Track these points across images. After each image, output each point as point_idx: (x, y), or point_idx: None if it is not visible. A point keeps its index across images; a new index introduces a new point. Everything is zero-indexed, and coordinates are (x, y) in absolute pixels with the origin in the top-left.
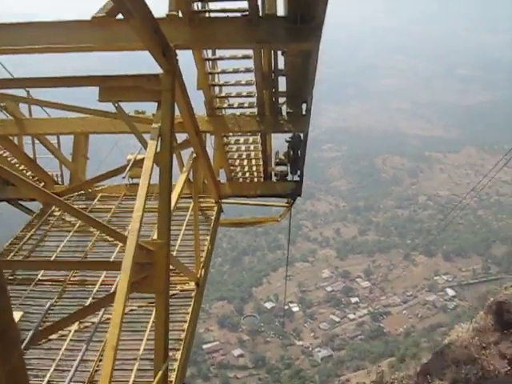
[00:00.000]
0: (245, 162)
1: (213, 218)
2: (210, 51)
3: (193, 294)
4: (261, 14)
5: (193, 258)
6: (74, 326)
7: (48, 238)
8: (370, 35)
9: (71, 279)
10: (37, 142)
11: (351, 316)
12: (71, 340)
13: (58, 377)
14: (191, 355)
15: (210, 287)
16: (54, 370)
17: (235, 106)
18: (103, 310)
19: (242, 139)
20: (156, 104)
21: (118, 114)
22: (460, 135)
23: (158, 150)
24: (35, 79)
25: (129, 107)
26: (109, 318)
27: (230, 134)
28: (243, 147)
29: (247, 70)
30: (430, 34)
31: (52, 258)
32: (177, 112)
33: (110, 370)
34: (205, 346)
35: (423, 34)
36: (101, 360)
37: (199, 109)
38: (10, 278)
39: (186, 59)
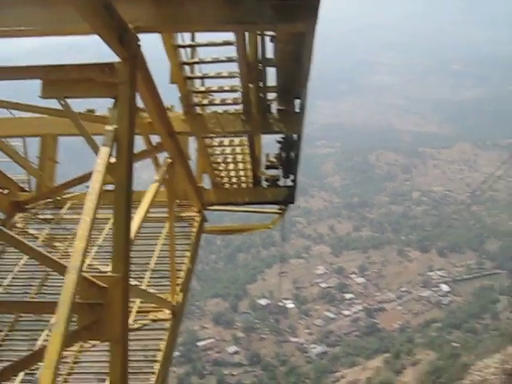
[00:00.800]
0: (231, 166)
1: (194, 230)
2: (186, 36)
3: (167, 325)
4: None
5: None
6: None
7: (3, 256)
8: (362, 31)
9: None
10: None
11: (346, 312)
12: None
13: None
14: (185, 353)
15: (205, 284)
16: None
17: (216, 102)
18: None
19: (226, 141)
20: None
21: (65, 112)
22: (453, 131)
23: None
24: None
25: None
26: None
27: (212, 135)
28: (228, 149)
29: (229, 60)
30: (423, 30)
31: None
32: None
33: None
34: (199, 344)
35: (415, 30)
36: None
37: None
38: None
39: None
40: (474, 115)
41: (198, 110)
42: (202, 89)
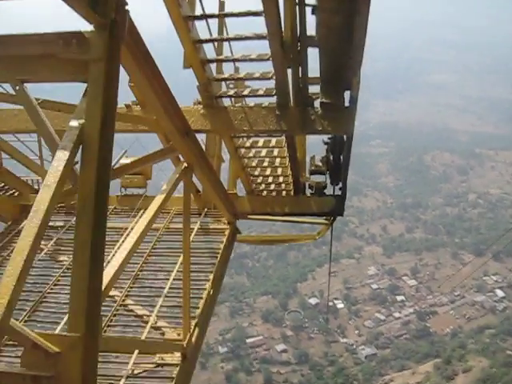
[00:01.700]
0: (268, 171)
1: (221, 245)
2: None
3: (174, 372)
4: None
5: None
6: None
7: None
8: (418, 28)
9: None
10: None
11: (397, 314)
12: None
13: None
14: (234, 349)
15: (255, 281)
16: None
17: (244, 93)
18: None
19: (261, 141)
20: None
21: (17, 97)
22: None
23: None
24: None
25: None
26: None
27: (241, 134)
28: (264, 151)
29: (258, 37)
30: (481, 27)
31: None
32: None
33: None
34: (248, 341)
35: (474, 27)
36: None
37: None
38: None
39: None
40: None
41: (221, 102)
42: (225, 75)
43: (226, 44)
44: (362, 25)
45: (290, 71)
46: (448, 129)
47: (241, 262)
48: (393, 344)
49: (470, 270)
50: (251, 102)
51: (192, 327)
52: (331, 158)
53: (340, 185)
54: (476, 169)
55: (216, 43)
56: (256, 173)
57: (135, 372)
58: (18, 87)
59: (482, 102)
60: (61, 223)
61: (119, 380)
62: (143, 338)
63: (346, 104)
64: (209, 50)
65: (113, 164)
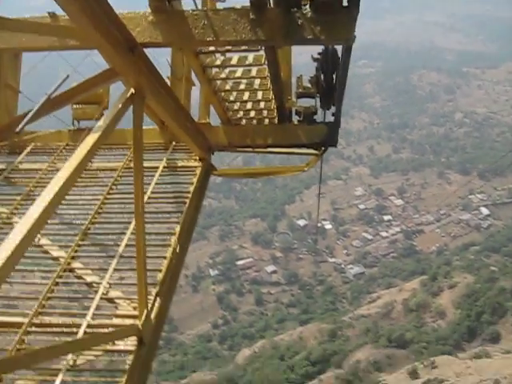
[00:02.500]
0: (246, 96)
1: (191, 187)
2: None
3: (128, 362)
4: None
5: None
6: None
7: None
8: None
9: None
10: None
11: (384, 234)
12: None
13: None
14: (225, 272)
15: (244, 204)
16: None
17: None
18: None
19: (235, 57)
20: None
21: None
22: (500, 50)
23: None
24: None
25: None
26: None
27: (207, 47)
28: (240, 71)
29: None
30: None
31: None
32: None
33: None
34: (238, 263)
35: None
36: None
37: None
38: None
39: None
40: None
41: (177, 5)
42: None
43: None
44: None
45: None
46: (435, 47)
47: (229, 186)
48: (380, 262)
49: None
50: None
51: (151, 300)
52: (322, 77)
53: (333, 110)
54: (463, 88)
55: None
56: (232, 98)
57: (77, 363)
58: None
59: (469, 20)
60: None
61: (56, 375)
62: (90, 314)
63: (345, 3)
64: None
65: (50, 92)
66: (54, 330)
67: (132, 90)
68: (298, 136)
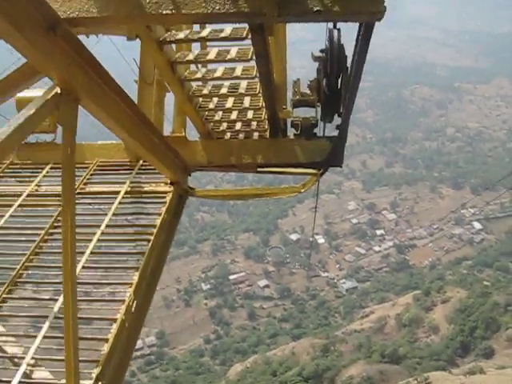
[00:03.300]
0: (229, 103)
1: (158, 219)
2: None
3: None
4: None
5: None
6: None
7: None
8: None
9: None
10: None
11: (376, 248)
12: None
13: None
14: (217, 286)
15: (236, 219)
16: None
17: None
18: None
19: (213, 51)
20: None
21: None
22: (491, 65)
23: None
24: None
25: None
26: None
27: (172, 34)
28: (220, 70)
29: None
30: None
31: None
32: None
33: None
34: (231, 277)
35: None
36: None
37: None
38: None
39: None
40: None
41: None
42: None
43: None
44: None
45: None
46: (427, 63)
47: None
48: (373, 277)
49: (448, 204)
50: None
51: None
52: (324, 81)
53: (336, 121)
54: (455, 103)
55: None
56: (211, 105)
57: None
58: None
59: (461, 36)
60: None
61: None
62: None
63: None
64: None
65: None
66: None
67: (57, 89)
68: (294, 153)
